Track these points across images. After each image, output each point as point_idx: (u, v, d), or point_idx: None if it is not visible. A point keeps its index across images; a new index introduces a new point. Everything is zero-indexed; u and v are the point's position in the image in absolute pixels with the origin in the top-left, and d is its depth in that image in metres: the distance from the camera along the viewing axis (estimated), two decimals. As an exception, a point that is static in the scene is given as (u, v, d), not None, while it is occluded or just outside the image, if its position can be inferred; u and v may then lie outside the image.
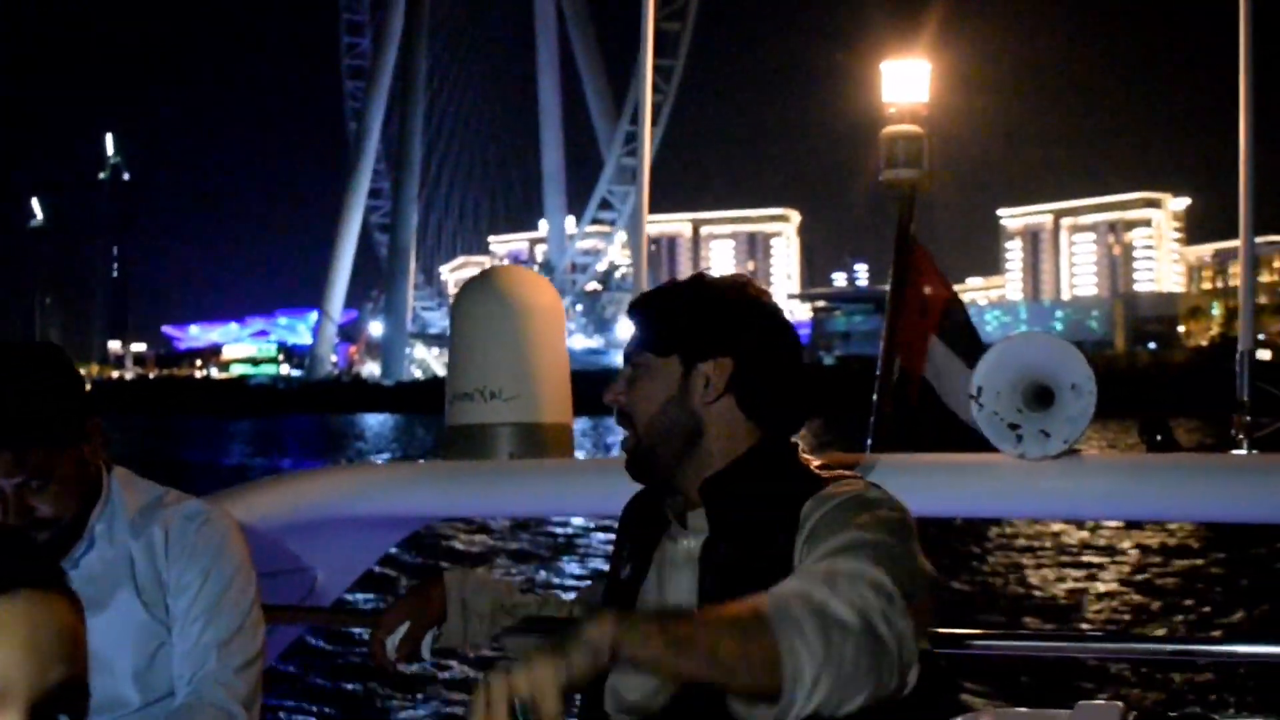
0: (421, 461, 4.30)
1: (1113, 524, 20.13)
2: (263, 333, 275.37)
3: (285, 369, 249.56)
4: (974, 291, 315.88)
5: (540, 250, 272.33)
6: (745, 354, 2.88)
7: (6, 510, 2.98)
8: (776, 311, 2.98)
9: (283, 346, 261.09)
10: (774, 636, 2.24)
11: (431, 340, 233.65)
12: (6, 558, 1.27)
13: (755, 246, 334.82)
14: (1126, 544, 19.18)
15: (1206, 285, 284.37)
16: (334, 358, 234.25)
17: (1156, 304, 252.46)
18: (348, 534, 4.13)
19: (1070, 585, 17.32)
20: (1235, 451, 3.86)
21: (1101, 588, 16.99)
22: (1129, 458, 3.70)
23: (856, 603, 2.35)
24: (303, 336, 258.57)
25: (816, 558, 2.57)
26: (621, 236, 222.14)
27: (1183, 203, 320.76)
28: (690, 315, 2.91)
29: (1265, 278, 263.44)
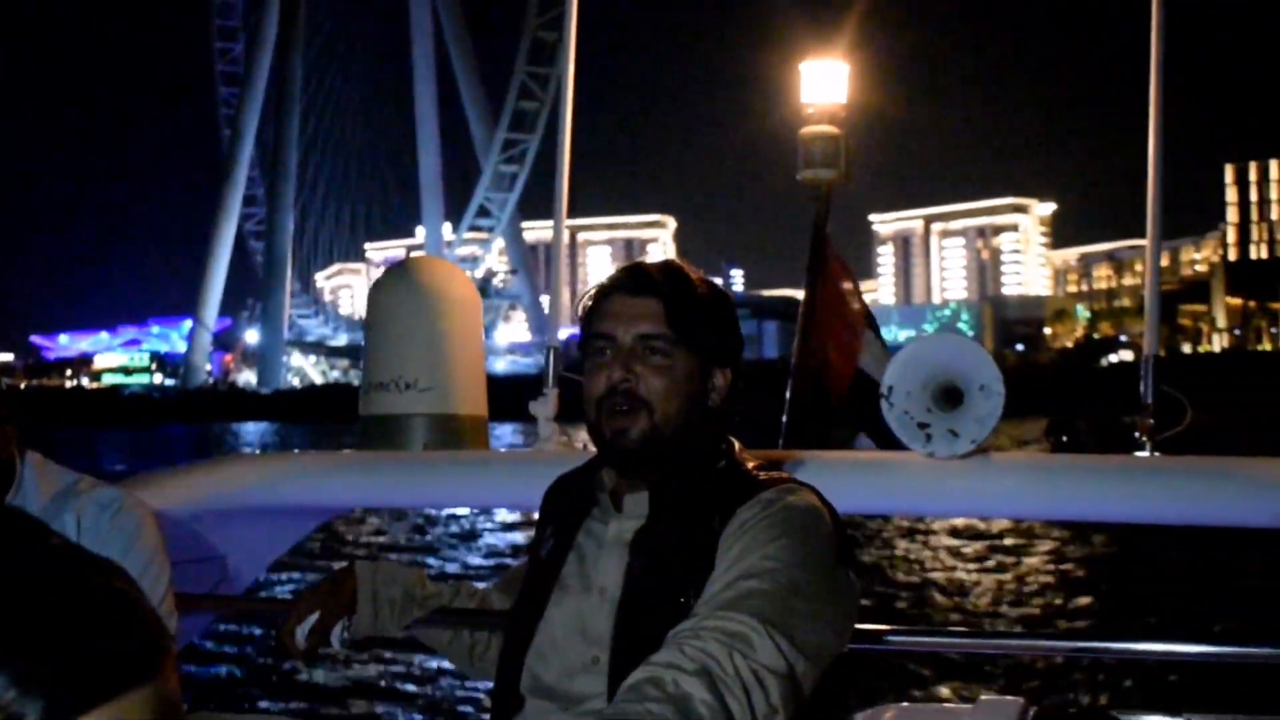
0: (337, 451, 4.27)
1: (1021, 522, 20.45)
2: (134, 341, 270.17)
3: (159, 378, 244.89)
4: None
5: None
6: (738, 367, 2.98)
7: None
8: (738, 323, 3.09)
9: (156, 355, 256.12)
10: None
11: (309, 348, 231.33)
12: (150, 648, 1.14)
13: (632, 253, 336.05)
14: (1034, 542, 19.47)
15: (1072, 288, 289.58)
16: (209, 366, 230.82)
17: (1023, 307, 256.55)
18: (261, 522, 4.10)
19: (977, 582, 17.57)
20: (1139, 454, 3.94)
21: (1008, 585, 17.26)
22: (1036, 458, 3.77)
23: (715, 674, 2.48)
24: (176, 345, 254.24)
25: (721, 582, 2.67)
26: (499, 243, 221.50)
27: (1049, 208, 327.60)
28: (715, 318, 2.97)
29: (1128, 280, 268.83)
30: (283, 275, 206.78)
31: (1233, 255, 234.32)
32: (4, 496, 3.11)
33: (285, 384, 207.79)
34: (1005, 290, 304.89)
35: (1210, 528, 3.74)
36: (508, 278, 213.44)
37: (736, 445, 3.01)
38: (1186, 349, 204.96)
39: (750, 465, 2.95)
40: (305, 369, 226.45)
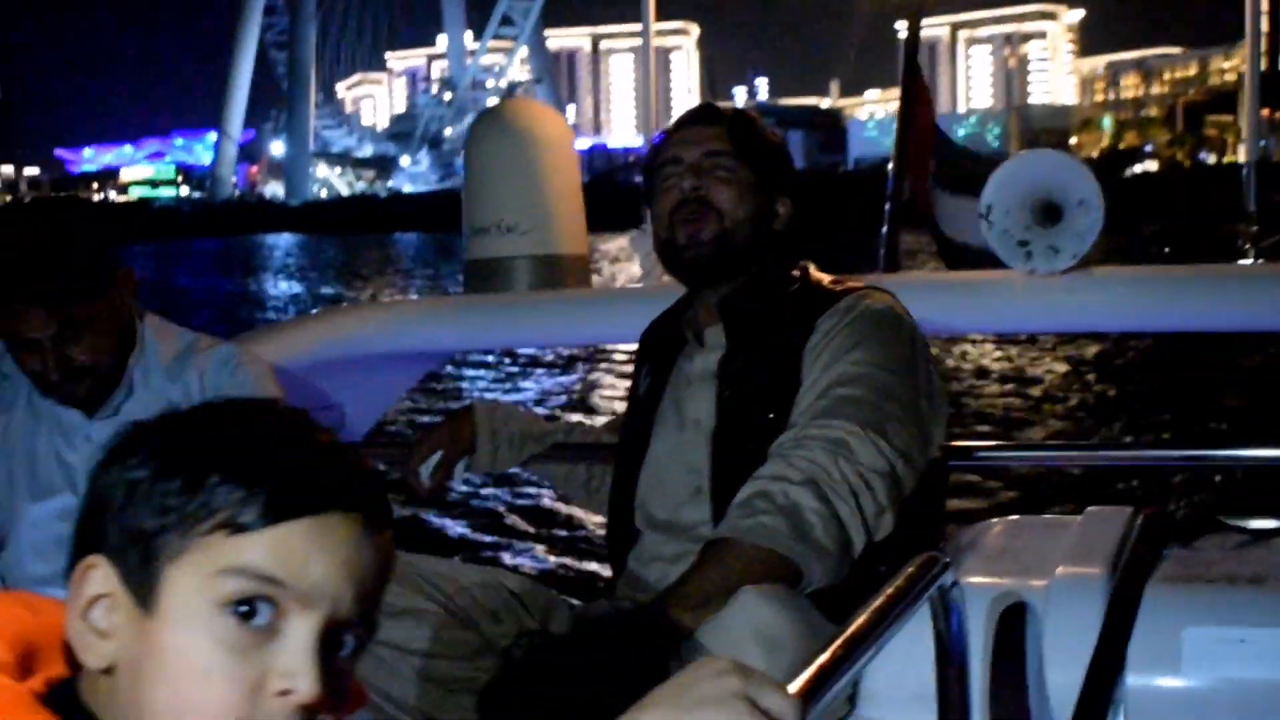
0: (444, 296, 4.31)
1: (1124, 336, 20.31)
2: (159, 154, 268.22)
3: (185, 191, 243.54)
4: (872, 104, 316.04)
5: (438, 67, 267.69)
6: (799, 202, 3.09)
7: (45, 361, 2.99)
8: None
9: (181, 168, 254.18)
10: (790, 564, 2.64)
11: (334, 159, 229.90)
12: (353, 483, 1.32)
13: (656, 61, 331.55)
14: (1130, 355, 19.41)
15: (1099, 97, 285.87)
16: (234, 179, 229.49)
17: (1049, 117, 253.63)
18: (374, 370, 4.16)
19: (1076, 396, 17.58)
20: (1243, 261, 3.95)
21: (1108, 398, 17.28)
22: (1138, 270, 3.78)
23: (821, 481, 2.69)
24: (200, 158, 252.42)
25: (814, 398, 2.81)
26: (523, 52, 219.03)
27: (1077, 14, 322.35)
28: (776, 150, 3.11)
29: (1156, 89, 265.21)
30: (306, 85, 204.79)
31: (1263, 65, 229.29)
32: (128, 358, 3.16)
33: (313, 196, 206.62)
34: (1031, 99, 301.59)
35: None
36: (531, 87, 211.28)
37: (811, 266, 3.08)
38: (1211, 159, 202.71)
39: (826, 281, 3.03)
40: (332, 180, 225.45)
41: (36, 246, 2.96)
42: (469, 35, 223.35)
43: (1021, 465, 3.53)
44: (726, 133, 3.02)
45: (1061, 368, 19.86)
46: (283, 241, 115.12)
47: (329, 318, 4.26)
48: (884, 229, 4.62)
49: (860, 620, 1.83)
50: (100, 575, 1.30)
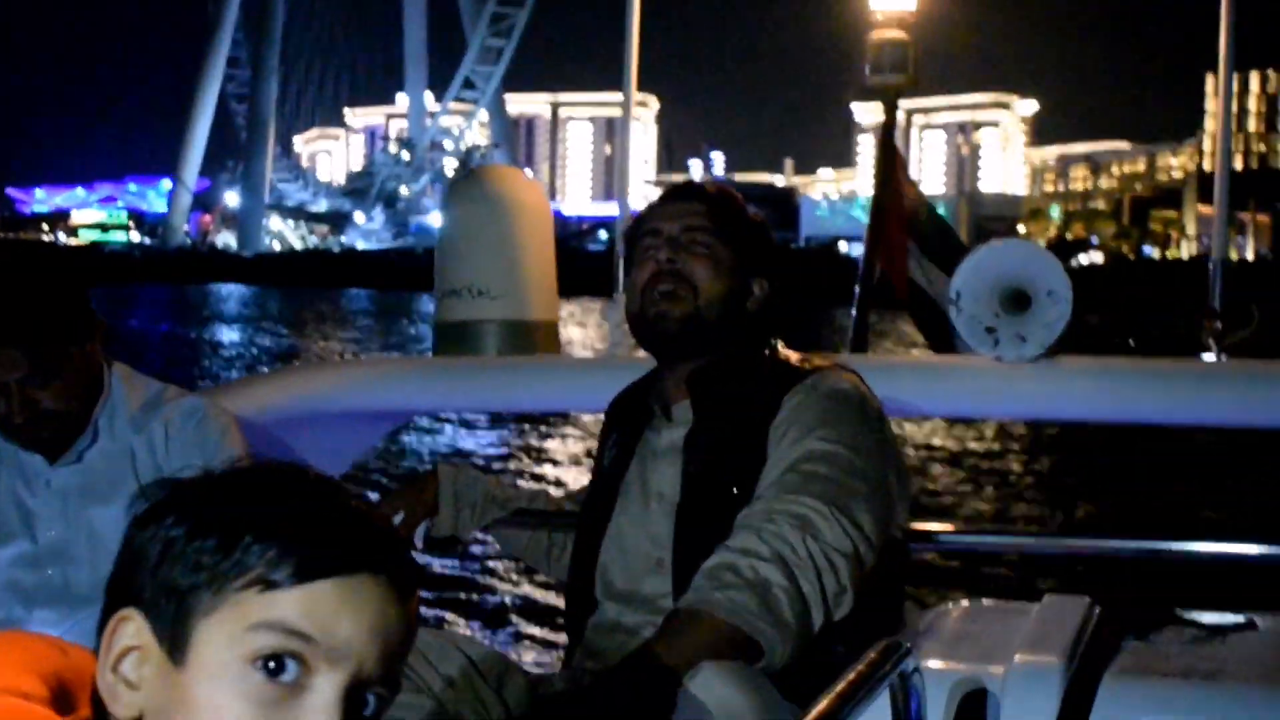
0: (412, 356, 4.33)
1: (1087, 425, 20.40)
2: (111, 199, 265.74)
3: (136, 236, 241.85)
4: (825, 184, 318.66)
5: (396, 126, 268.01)
6: (775, 280, 3.11)
7: (11, 404, 2.98)
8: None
9: (133, 213, 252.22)
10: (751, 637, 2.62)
11: (288, 213, 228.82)
12: (383, 546, 1.37)
13: (613, 130, 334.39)
14: (1093, 444, 19.49)
15: (1048, 188, 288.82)
16: (187, 227, 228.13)
17: (999, 205, 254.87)
18: (339, 427, 4.16)
19: (1036, 483, 17.68)
20: (1207, 356, 3.99)
21: (1068, 486, 17.36)
22: (1104, 361, 3.81)
23: (789, 559, 2.67)
24: (153, 204, 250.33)
25: (781, 466, 2.82)
26: (483, 116, 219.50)
27: (1031, 106, 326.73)
28: (756, 230, 3.12)
29: (1104, 183, 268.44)
30: (265, 137, 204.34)
31: (1208, 165, 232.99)
32: (94, 405, 3.15)
33: (266, 248, 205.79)
34: (982, 187, 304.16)
35: (1279, 431, 3.80)
36: (490, 151, 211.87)
37: (779, 344, 3.10)
38: (1155, 254, 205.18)
39: (794, 358, 3.05)
40: (285, 233, 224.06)
41: (15, 288, 2.96)
42: (429, 96, 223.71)
43: (981, 549, 3.57)
44: (708, 210, 3.04)
45: (1022, 454, 19.98)
46: (234, 291, 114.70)
47: (298, 373, 4.28)
48: (854, 310, 4.66)
49: (824, 704, 1.85)
50: (133, 628, 1.34)
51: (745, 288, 3.04)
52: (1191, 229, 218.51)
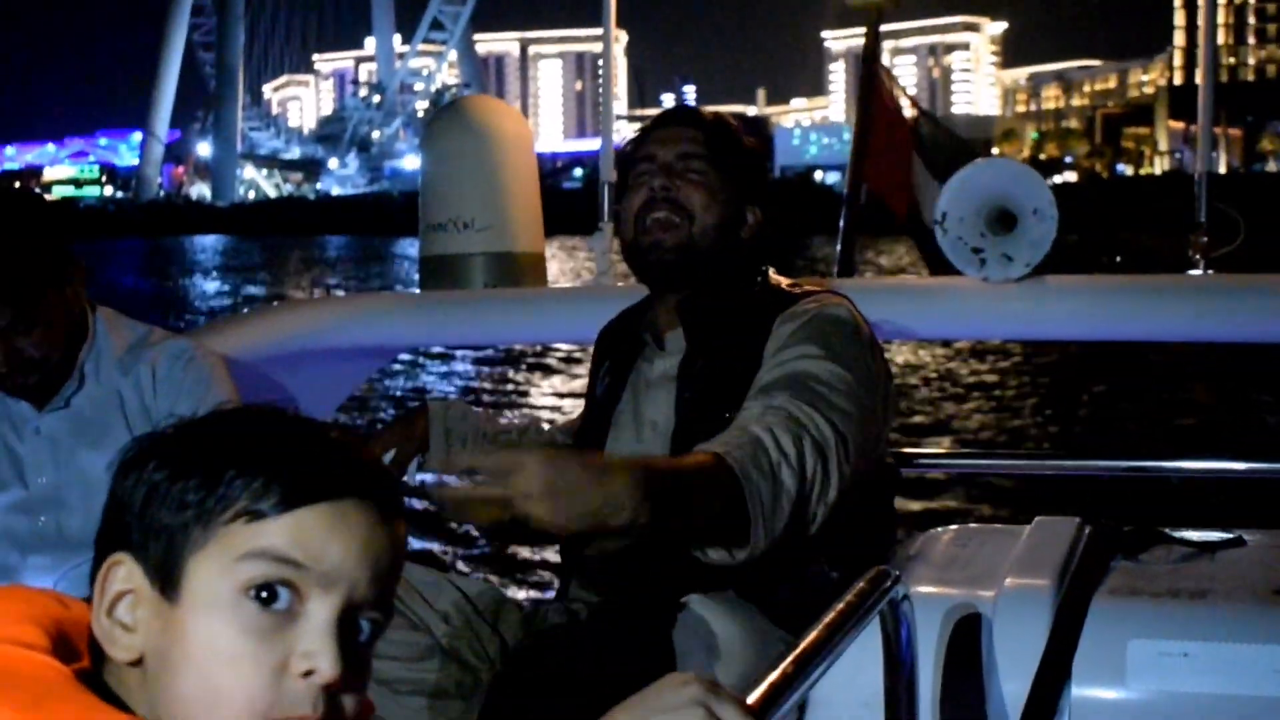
0: (399, 292, 4.32)
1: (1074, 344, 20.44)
2: (82, 154, 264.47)
3: (109, 191, 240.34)
4: (798, 113, 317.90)
5: (366, 70, 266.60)
6: (768, 208, 3.08)
7: None
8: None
9: (105, 167, 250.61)
10: (744, 504, 2.50)
11: (261, 161, 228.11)
12: (366, 473, 1.39)
13: (584, 67, 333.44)
14: (1081, 363, 19.50)
15: (1020, 108, 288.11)
16: (160, 179, 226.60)
17: (972, 126, 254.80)
18: (328, 364, 4.14)
19: (1025, 404, 17.69)
20: (1192, 272, 3.99)
21: (1056, 407, 17.38)
22: (1092, 280, 3.81)
23: (792, 457, 2.58)
24: (125, 158, 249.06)
25: (767, 382, 2.77)
26: (452, 56, 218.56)
27: (1000, 26, 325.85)
28: (751, 158, 3.08)
29: (1076, 101, 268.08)
30: (234, 86, 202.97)
31: (1178, 79, 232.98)
32: (79, 351, 3.14)
33: (241, 197, 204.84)
34: (954, 110, 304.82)
35: (1266, 345, 3.81)
36: (460, 92, 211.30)
37: (771, 271, 3.09)
38: (1129, 171, 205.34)
39: (785, 284, 3.04)
40: (259, 182, 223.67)
41: None
42: (398, 38, 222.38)
43: (970, 472, 3.59)
44: (703, 136, 3.01)
45: (1011, 374, 20.01)
46: (209, 242, 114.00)
47: (284, 312, 4.24)
48: (839, 234, 4.64)
49: (813, 634, 1.86)
50: (124, 572, 1.36)
51: (739, 216, 3.02)
52: (1164, 144, 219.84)
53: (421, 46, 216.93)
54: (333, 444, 1.39)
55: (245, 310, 4.27)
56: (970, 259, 3.70)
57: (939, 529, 3.38)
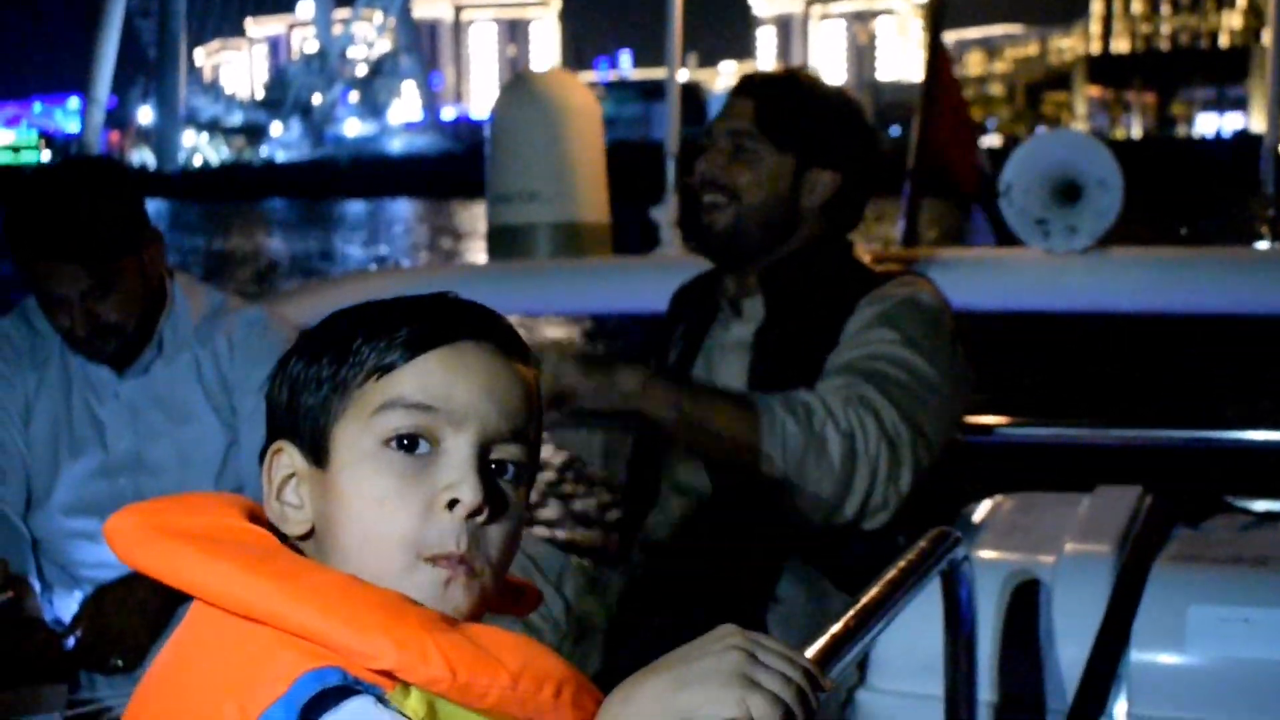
0: (466, 263, 4.37)
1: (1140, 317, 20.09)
2: (15, 119, 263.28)
3: (48, 156, 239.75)
4: (727, 77, 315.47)
5: (299, 35, 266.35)
6: (852, 171, 3.02)
7: (74, 317, 3.01)
8: (874, 130, 3.13)
9: (44, 134, 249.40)
10: (762, 442, 2.63)
11: (203, 127, 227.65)
12: (480, 317, 1.50)
13: (516, 32, 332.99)
14: (1145, 335, 19.31)
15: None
16: (99, 146, 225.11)
17: (899, 92, 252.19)
18: None
19: (1091, 375, 17.51)
20: (1260, 244, 3.97)
21: (1119, 377, 17.21)
22: (1157, 251, 3.81)
23: (843, 425, 2.67)
24: (62, 124, 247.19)
25: (845, 361, 2.80)
26: (390, 23, 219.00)
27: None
28: (815, 121, 3.02)
29: (999, 67, 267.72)
30: (176, 51, 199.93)
31: (1095, 48, 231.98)
32: (158, 317, 3.18)
33: (185, 164, 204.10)
34: (881, 76, 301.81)
35: None
36: (399, 57, 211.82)
37: (854, 243, 3.08)
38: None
39: (868, 260, 3.03)
40: (201, 147, 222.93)
41: (72, 203, 2.97)
42: (335, 4, 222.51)
43: (1032, 441, 3.61)
44: (756, 108, 2.99)
45: (1072, 345, 19.82)
46: (154, 207, 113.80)
47: (354, 282, 4.30)
48: (904, 202, 4.63)
49: (873, 592, 1.87)
50: (285, 459, 1.49)
51: (798, 184, 2.98)
52: (1081, 109, 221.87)
53: (362, 12, 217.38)
54: (445, 298, 1.51)
55: (315, 280, 4.30)
56: (1034, 230, 3.70)
57: (1000, 496, 3.39)
